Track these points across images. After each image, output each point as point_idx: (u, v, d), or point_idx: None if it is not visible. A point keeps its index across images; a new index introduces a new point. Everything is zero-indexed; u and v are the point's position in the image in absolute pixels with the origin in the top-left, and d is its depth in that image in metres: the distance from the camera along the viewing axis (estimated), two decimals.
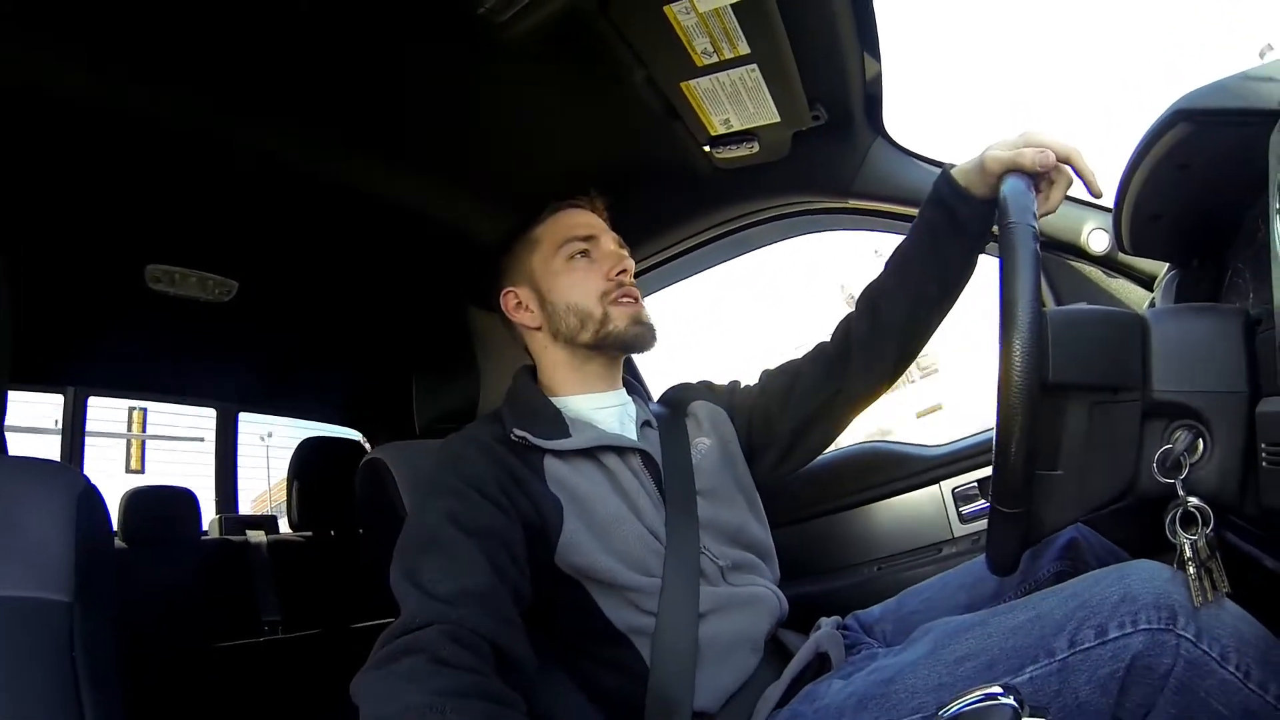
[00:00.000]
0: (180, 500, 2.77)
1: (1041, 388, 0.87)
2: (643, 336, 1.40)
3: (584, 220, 1.46)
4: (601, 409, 1.40)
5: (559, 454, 1.26)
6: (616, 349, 1.41)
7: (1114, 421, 0.91)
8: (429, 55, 1.42)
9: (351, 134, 1.62)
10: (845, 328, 1.38)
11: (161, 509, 2.70)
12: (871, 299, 1.35)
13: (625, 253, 1.45)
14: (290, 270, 2.15)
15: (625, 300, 1.39)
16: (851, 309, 1.38)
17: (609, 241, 1.45)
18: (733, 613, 1.22)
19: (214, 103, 1.46)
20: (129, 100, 1.41)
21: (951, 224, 1.24)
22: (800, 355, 1.47)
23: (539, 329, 1.44)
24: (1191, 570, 0.80)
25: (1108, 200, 1.41)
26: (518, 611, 1.06)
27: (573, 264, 1.41)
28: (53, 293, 1.99)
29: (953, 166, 1.25)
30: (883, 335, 1.32)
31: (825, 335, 1.43)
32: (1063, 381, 0.90)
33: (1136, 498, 0.92)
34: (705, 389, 1.56)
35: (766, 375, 1.51)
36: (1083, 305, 0.98)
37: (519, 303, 1.45)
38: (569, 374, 1.42)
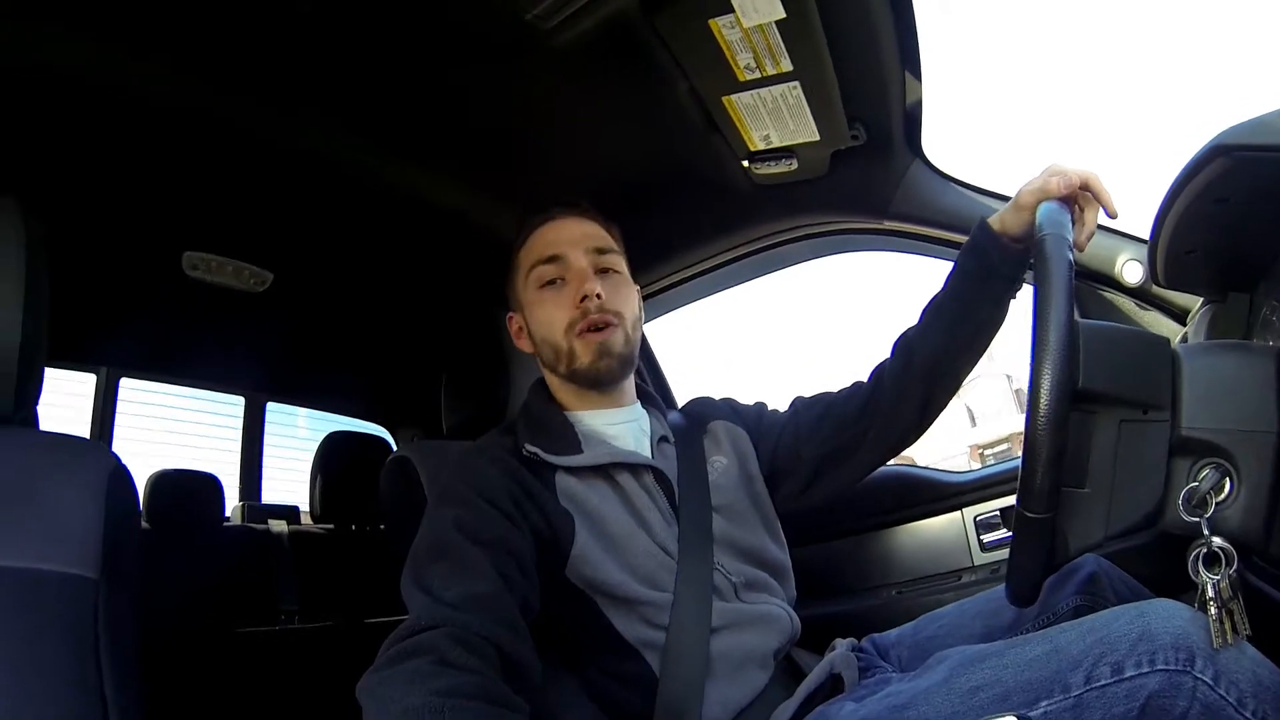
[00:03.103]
0: (205, 485, 2.79)
1: (1071, 391, 0.87)
2: (607, 370, 1.34)
3: (551, 237, 1.40)
4: (615, 424, 1.39)
5: (570, 470, 1.27)
6: (585, 383, 1.37)
7: (1142, 442, 0.91)
8: (475, 59, 1.44)
9: (394, 134, 1.65)
10: (880, 370, 1.39)
11: (187, 493, 2.72)
12: (906, 343, 1.35)
13: (613, 260, 1.41)
14: (326, 265, 2.17)
15: (589, 332, 1.33)
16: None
17: (578, 257, 1.37)
18: (744, 629, 1.22)
19: (262, 98, 1.50)
20: (181, 92, 1.44)
21: (985, 268, 1.26)
22: (835, 390, 1.47)
23: (535, 353, 1.44)
24: (1213, 611, 0.79)
25: (1143, 232, 1.41)
26: (525, 621, 1.06)
27: (543, 293, 1.37)
28: (92, 273, 2.03)
29: (990, 214, 1.28)
30: (915, 376, 1.32)
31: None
32: (1092, 389, 0.90)
33: (1161, 533, 0.91)
34: (728, 408, 1.55)
35: (799, 402, 1.49)
36: (1114, 323, 0.99)
37: (519, 328, 1.46)
38: (571, 395, 1.41)
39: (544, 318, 1.36)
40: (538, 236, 1.41)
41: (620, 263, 1.43)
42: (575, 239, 1.39)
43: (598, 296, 1.32)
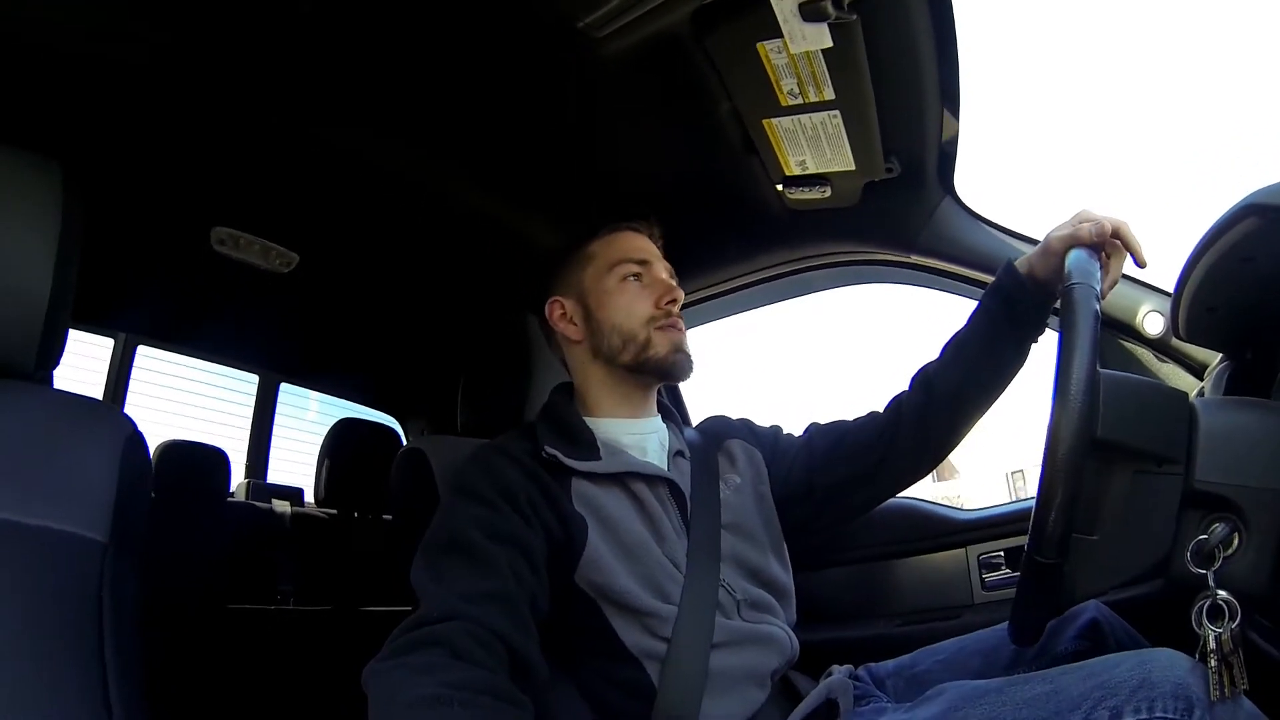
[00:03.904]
0: (213, 459, 2.81)
1: (1089, 441, 0.88)
2: (681, 365, 1.40)
3: (640, 245, 1.48)
4: (635, 434, 1.41)
5: (587, 476, 1.28)
6: (654, 375, 1.42)
7: (1154, 494, 0.91)
8: (521, 63, 1.45)
9: (434, 135, 1.67)
10: (898, 401, 1.40)
11: (194, 464, 2.74)
12: (926, 377, 1.37)
13: (675, 283, 1.46)
14: (354, 252, 2.18)
15: (670, 329, 1.40)
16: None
17: (661, 269, 1.46)
18: (744, 647, 1.22)
19: (307, 90, 1.51)
20: (227, 73, 1.45)
21: (1009, 312, 1.28)
22: (851, 418, 1.48)
23: (580, 343, 1.45)
24: (1213, 663, 0.79)
25: (1167, 284, 1.42)
26: (534, 620, 1.08)
27: (624, 285, 1.42)
28: (121, 239, 2.04)
29: (1016, 256, 1.29)
30: (933, 412, 1.34)
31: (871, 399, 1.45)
32: (1110, 439, 0.90)
33: (1167, 582, 0.92)
34: (745, 428, 1.57)
35: (814, 429, 1.52)
36: (1134, 375, 0.99)
37: (564, 314, 1.47)
38: (604, 393, 1.43)
39: (625, 305, 1.41)
40: (624, 238, 1.48)
41: (681, 293, 1.48)
42: (658, 254, 1.49)
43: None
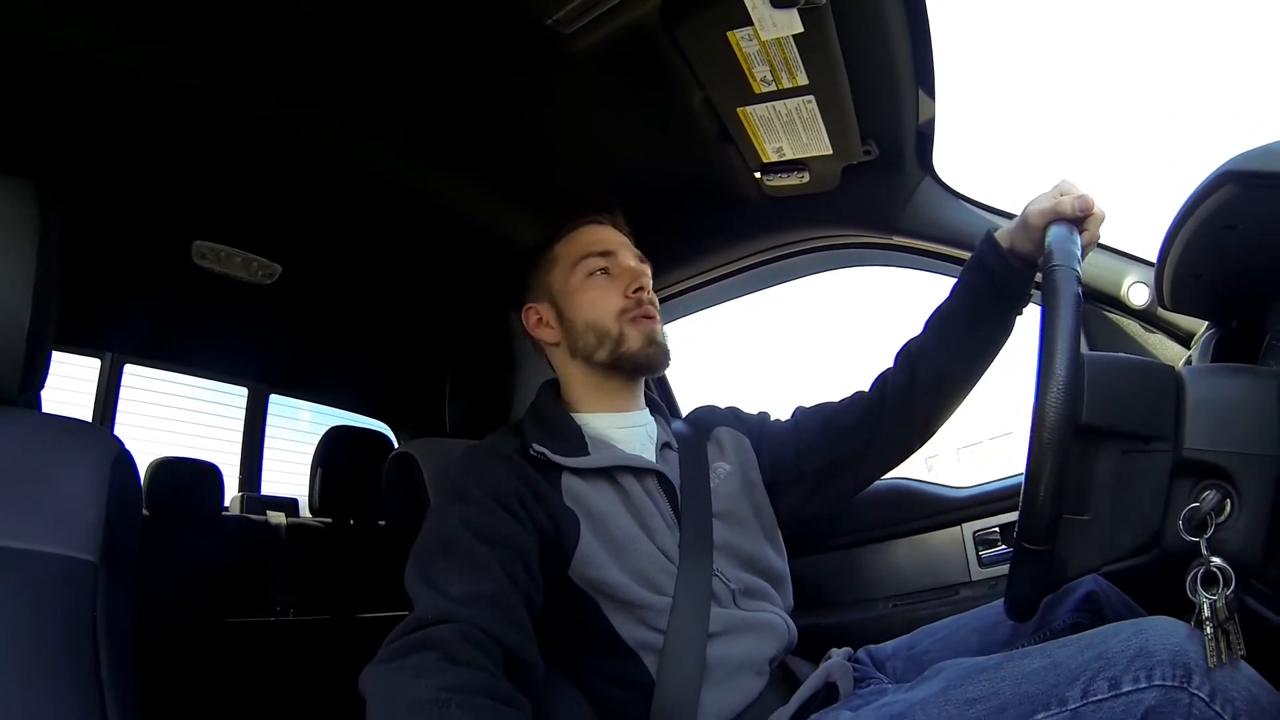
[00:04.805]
0: (205, 474, 2.78)
1: (1075, 427, 0.87)
2: (656, 358, 1.39)
3: (601, 236, 1.46)
4: (621, 428, 1.40)
5: (576, 471, 1.28)
6: (630, 369, 1.40)
7: (1144, 471, 0.91)
8: (492, 61, 1.44)
9: (410, 133, 1.66)
10: (883, 380, 1.40)
11: (186, 481, 2.71)
12: (910, 354, 1.36)
13: (646, 268, 1.45)
14: (335, 259, 2.18)
15: (642, 319, 1.38)
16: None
17: (628, 256, 1.44)
18: (741, 636, 1.22)
19: (279, 94, 1.51)
20: (199, 83, 1.45)
21: (991, 286, 1.27)
22: (836, 400, 1.48)
23: (558, 345, 1.45)
24: (1209, 630, 0.79)
25: (1150, 255, 1.41)
26: (529, 619, 1.08)
27: (591, 281, 1.41)
28: (102, 258, 2.04)
29: (996, 229, 1.28)
30: (919, 390, 1.34)
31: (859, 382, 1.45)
32: (1095, 424, 0.90)
33: (1160, 553, 0.92)
34: (733, 416, 1.56)
35: (800, 413, 1.51)
36: (1120, 354, 0.99)
37: (539, 319, 1.46)
38: (588, 391, 1.42)
39: (594, 301, 1.39)
40: (586, 233, 1.46)
41: (650, 275, 1.47)
42: (623, 242, 1.46)
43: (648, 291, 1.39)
